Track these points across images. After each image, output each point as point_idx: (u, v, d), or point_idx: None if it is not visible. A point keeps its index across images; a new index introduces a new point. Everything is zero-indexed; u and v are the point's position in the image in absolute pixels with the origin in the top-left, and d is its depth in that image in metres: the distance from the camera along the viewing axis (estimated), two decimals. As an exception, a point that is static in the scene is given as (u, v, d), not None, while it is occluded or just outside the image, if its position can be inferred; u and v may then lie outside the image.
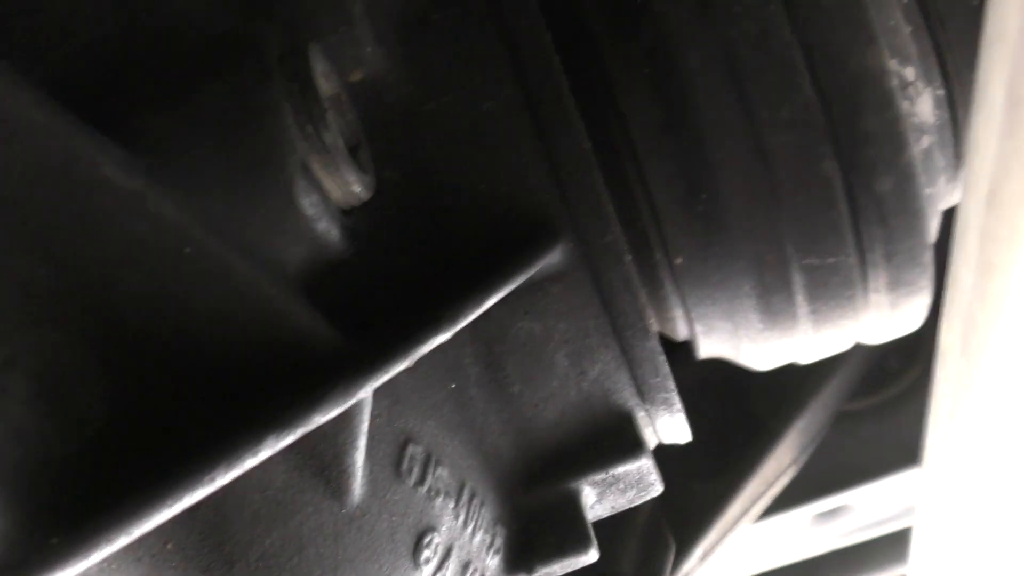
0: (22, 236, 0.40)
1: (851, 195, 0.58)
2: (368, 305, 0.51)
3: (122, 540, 0.36)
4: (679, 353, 0.76)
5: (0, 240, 0.39)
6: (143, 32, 0.47)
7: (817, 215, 0.58)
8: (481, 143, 0.56)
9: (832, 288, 0.61)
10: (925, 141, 0.61)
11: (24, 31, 0.45)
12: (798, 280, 0.61)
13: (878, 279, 0.61)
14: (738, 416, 0.97)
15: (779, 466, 0.97)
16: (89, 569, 0.38)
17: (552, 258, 0.56)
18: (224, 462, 0.39)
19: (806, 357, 0.70)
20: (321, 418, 0.42)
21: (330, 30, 0.51)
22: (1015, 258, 0.34)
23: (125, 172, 0.40)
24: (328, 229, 0.47)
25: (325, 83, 0.48)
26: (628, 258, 0.56)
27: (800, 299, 0.62)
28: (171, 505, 0.38)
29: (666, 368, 0.60)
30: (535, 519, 0.61)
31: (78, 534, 0.36)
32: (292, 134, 0.44)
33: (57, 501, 0.37)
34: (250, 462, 0.40)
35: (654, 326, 0.59)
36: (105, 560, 0.39)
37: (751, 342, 0.66)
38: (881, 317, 0.64)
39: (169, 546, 0.43)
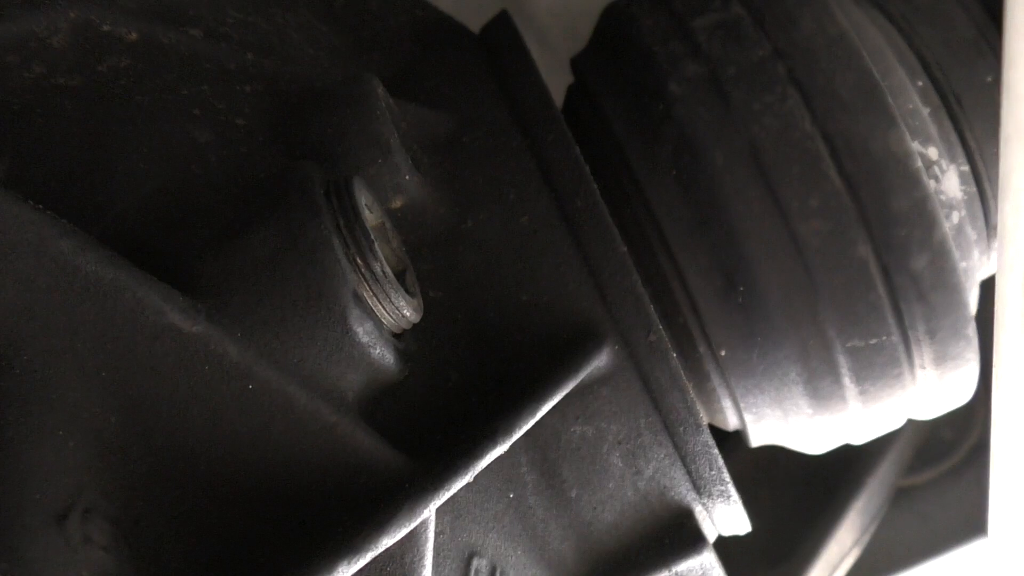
0: (95, 386, 0.42)
1: (887, 275, 0.59)
2: (424, 422, 0.52)
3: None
4: (730, 442, 0.76)
5: (75, 393, 0.41)
6: (194, 181, 0.49)
7: (856, 298, 0.59)
8: (520, 255, 0.57)
9: (878, 368, 0.62)
10: (955, 217, 0.62)
11: (86, 191, 0.47)
12: (843, 363, 0.61)
13: (923, 355, 0.62)
14: (796, 501, 0.96)
15: (842, 549, 0.96)
16: None
17: (599, 361, 0.57)
18: None
19: (859, 438, 0.70)
20: (389, 540, 0.43)
21: (369, 162, 0.53)
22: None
23: (188, 317, 0.42)
24: (383, 354, 0.48)
25: (369, 214, 0.50)
26: (673, 355, 0.57)
27: (847, 381, 0.62)
28: (254, 639, 0.38)
29: (720, 461, 0.60)
30: (604, 623, 0.61)
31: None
32: (343, 267, 0.46)
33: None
34: None
35: (704, 420, 0.60)
36: None
37: (802, 427, 0.66)
38: (930, 392, 0.65)
39: None
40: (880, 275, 0.59)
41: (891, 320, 0.60)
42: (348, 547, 0.42)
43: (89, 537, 0.38)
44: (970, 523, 1.03)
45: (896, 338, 0.60)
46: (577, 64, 0.70)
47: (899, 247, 0.58)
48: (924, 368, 0.62)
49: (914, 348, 0.61)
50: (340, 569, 0.41)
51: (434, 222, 0.57)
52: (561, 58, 0.72)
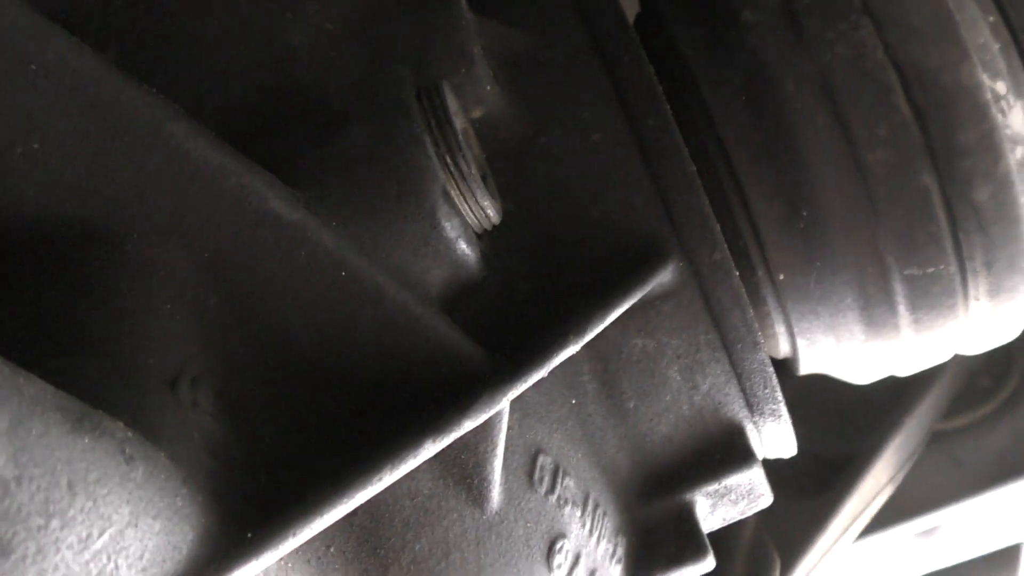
0: (198, 266, 0.44)
1: (949, 206, 0.60)
2: (498, 324, 0.54)
3: (306, 534, 0.40)
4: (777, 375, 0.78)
5: (181, 272, 0.44)
6: (290, 80, 0.51)
7: (916, 227, 0.60)
8: (591, 172, 0.59)
9: (933, 297, 0.63)
10: (1020, 152, 0.63)
11: (185, 86, 0.49)
12: (900, 290, 0.62)
13: (978, 287, 0.63)
14: (836, 437, 0.98)
15: (877, 484, 0.98)
16: (268, 568, 0.42)
17: (663, 277, 0.58)
18: (389, 463, 0.43)
19: (906, 368, 0.71)
20: (471, 423, 0.46)
21: (452, 71, 0.55)
22: None
23: (289, 205, 0.44)
24: (466, 251, 0.51)
25: (455, 118, 0.52)
26: (736, 274, 0.59)
27: (902, 309, 0.63)
28: (346, 502, 0.41)
29: (775, 380, 0.62)
30: (653, 530, 0.64)
31: (269, 529, 0.39)
32: (434, 164, 0.48)
33: (246, 502, 0.40)
34: (411, 463, 0.43)
35: (762, 339, 0.62)
36: (282, 559, 0.42)
37: (853, 354, 0.68)
38: (982, 324, 0.66)
39: (331, 549, 0.46)
40: (942, 205, 0.60)
41: (950, 250, 0.61)
42: (433, 428, 0.44)
43: (197, 402, 0.41)
44: (1003, 468, 1.04)
45: (953, 268, 0.62)
46: (649, -9, 0.71)
47: (963, 178, 0.59)
48: (978, 300, 0.64)
49: (970, 279, 0.63)
50: (426, 446, 0.44)
51: (509, 136, 0.59)
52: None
